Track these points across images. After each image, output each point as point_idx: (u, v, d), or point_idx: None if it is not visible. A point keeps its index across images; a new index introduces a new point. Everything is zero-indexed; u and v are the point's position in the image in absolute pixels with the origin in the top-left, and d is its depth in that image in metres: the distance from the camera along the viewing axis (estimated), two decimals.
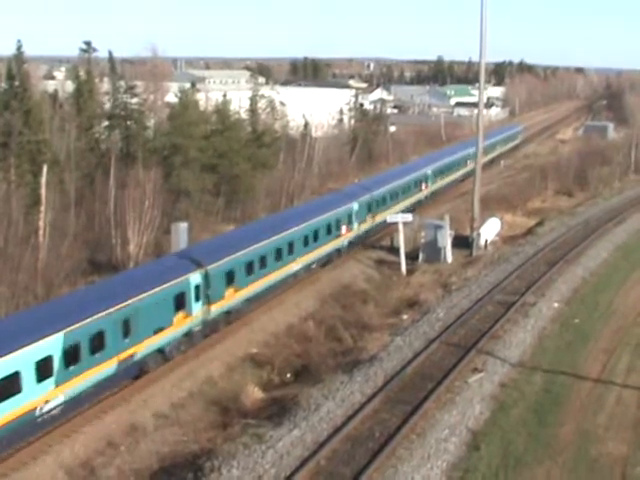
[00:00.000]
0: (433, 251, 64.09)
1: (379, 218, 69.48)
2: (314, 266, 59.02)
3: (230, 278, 46.59)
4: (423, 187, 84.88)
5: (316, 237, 57.94)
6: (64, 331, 33.56)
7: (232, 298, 47.12)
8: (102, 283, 44.57)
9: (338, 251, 63.17)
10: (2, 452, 31.86)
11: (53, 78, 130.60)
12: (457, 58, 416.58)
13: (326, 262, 61.52)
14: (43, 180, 54.92)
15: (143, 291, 38.82)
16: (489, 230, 70.32)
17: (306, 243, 56.33)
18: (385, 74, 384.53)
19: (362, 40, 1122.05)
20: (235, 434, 33.66)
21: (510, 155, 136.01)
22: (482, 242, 67.47)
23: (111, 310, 36.26)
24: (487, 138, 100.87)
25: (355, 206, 64.95)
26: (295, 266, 54.84)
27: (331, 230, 60.56)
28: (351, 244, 65.53)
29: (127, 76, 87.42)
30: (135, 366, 39.43)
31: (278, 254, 52.28)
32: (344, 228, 62.83)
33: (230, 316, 47.95)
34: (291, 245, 53.79)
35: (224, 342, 46.25)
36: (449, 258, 64.23)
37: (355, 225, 65.26)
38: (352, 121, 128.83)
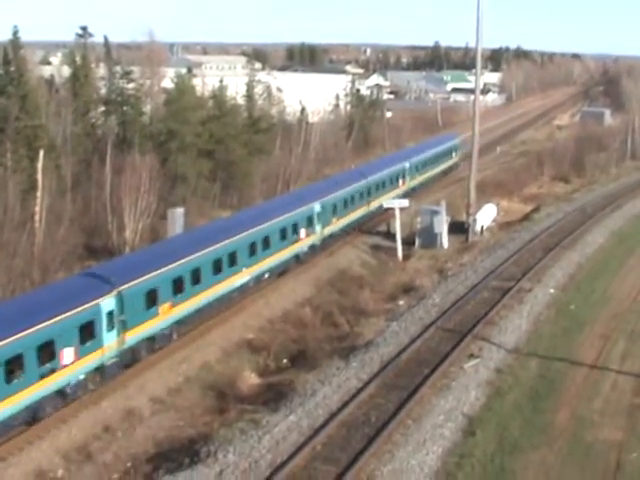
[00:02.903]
0: (429, 237, 64.15)
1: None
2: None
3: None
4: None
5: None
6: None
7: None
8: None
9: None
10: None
11: (49, 63, 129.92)
12: (454, 44, 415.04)
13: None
14: (39, 165, 54.85)
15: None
16: (485, 216, 70.36)
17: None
18: (382, 60, 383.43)
19: (359, 25, 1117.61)
20: (231, 419, 33.79)
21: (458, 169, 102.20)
22: (478, 228, 67.53)
23: None
24: (392, 161, 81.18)
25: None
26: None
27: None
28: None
29: (123, 61, 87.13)
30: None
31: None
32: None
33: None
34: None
35: (220, 327, 46.28)
36: (445, 244, 64.30)
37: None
38: (348, 107, 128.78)
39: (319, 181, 76.02)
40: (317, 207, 59.21)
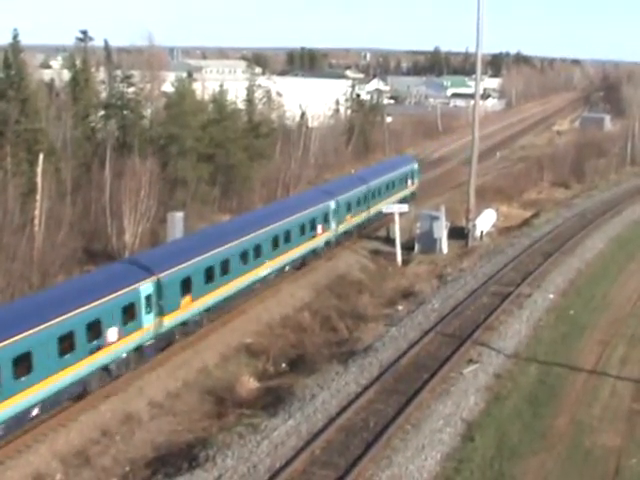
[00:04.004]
0: (429, 242, 64.13)
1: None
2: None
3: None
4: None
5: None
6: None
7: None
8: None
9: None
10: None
11: (49, 67, 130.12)
12: (454, 49, 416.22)
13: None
14: (39, 169, 54.84)
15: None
16: (485, 221, 70.36)
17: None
18: (382, 64, 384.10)
19: (359, 30, 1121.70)
20: (230, 424, 33.76)
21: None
22: (478, 233, 67.51)
23: None
24: (337, 189, 65.46)
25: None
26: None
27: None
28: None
29: (123, 65, 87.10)
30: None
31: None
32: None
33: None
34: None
35: (219, 332, 46.23)
36: (445, 249, 64.27)
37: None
38: (348, 112, 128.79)
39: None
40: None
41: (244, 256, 48.48)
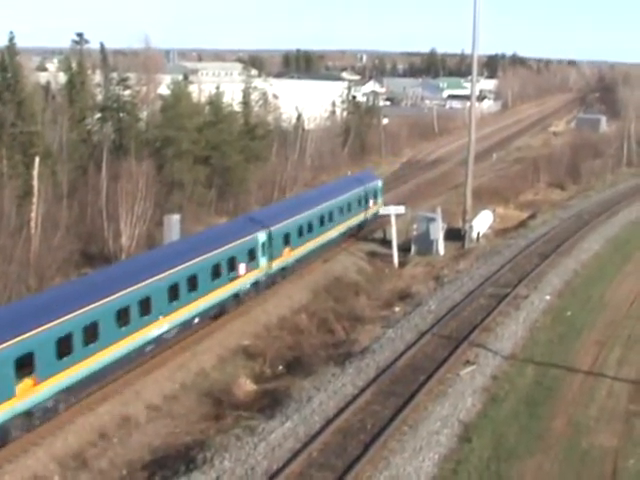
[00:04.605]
0: (425, 243, 64.17)
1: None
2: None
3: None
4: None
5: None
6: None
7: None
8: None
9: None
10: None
11: (45, 70, 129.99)
12: (450, 50, 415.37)
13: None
14: (35, 172, 54.84)
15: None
16: (481, 223, 70.43)
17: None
18: (378, 66, 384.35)
19: (355, 32, 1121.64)
20: (227, 426, 33.75)
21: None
22: (474, 235, 67.57)
23: None
24: (283, 212, 57.17)
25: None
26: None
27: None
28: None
29: (119, 68, 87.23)
30: None
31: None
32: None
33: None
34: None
35: (216, 334, 46.23)
36: (441, 250, 64.32)
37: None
38: (344, 113, 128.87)
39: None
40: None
41: (121, 317, 37.96)
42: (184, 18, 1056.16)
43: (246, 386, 40.16)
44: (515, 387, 36.30)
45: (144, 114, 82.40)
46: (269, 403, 36.07)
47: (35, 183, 54.60)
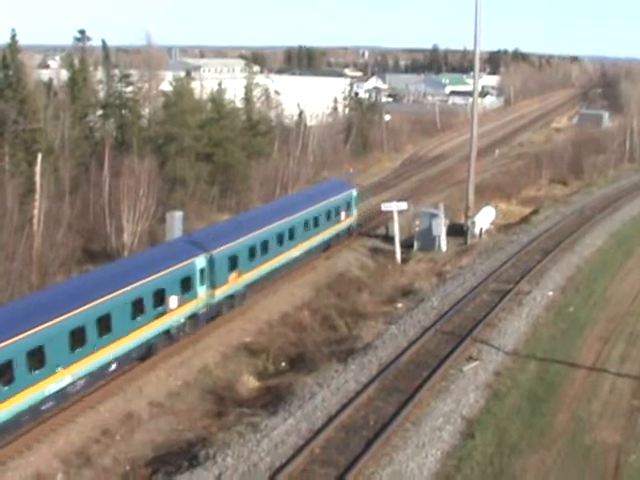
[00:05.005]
0: (428, 239, 64.10)
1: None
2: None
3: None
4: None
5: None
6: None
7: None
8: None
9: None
10: None
11: (47, 67, 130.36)
12: (452, 47, 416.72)
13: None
14: (38, 169, 54.79)
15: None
16: (484, 218, 70.32)
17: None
18: (380, 63, 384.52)
19: (357, 28, 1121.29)
20: (230, 423, 33.72)
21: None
22: (477, 230, 67.47)
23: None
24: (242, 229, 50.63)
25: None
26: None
27: None
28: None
29: (121, 65, 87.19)
30: None
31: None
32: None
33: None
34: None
35: (218, 331, 46.24)
36: (444, 246, 64.25)
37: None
38: (347, 110, 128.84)
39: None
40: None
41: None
42: (186, 15, 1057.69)
43: (249, 383, 40.16)
44: (518, 383, 36.27)
45: (146, 111, 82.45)
46: (272, 400, 36.04)
47: (37, 180, 54.55)
